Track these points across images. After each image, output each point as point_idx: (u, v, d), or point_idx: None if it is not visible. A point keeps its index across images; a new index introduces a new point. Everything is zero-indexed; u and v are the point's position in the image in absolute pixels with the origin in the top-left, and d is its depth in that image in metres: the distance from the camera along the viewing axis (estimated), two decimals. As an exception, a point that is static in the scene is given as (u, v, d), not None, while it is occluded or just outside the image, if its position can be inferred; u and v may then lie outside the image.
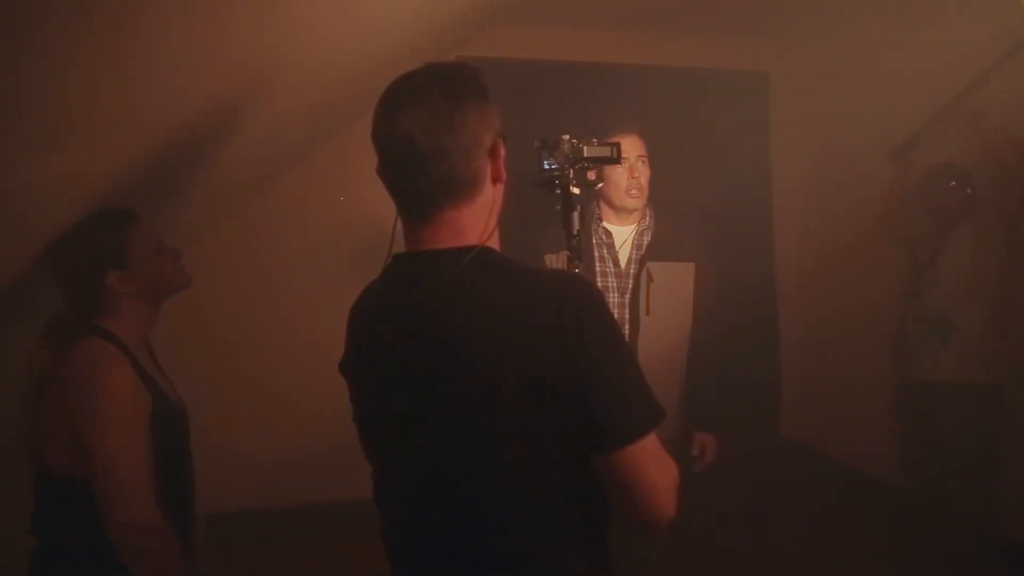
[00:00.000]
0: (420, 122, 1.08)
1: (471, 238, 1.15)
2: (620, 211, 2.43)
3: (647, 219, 2.46)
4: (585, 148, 1.71)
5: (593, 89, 3.67)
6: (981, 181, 2.95)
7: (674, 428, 2.30)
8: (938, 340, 2.93)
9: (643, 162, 2.40)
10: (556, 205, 1.74)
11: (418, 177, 1.10)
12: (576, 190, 1.73)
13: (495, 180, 1.18)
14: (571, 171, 1.72)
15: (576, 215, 1.72)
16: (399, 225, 1.21)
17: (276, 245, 3.75)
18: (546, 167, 1.73)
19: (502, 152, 1.18)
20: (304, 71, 2.29)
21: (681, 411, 2.38)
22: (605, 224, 2.46)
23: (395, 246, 1.23)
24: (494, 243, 1.19)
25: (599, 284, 2.38)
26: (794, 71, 4.28)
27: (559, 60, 3.88)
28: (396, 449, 1.19)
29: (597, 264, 2.41)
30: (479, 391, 1.07)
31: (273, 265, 3.74)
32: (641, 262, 2.39)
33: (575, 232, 1.71)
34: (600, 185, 2.18)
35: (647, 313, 2.34)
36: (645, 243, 2.43)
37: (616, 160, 1.78)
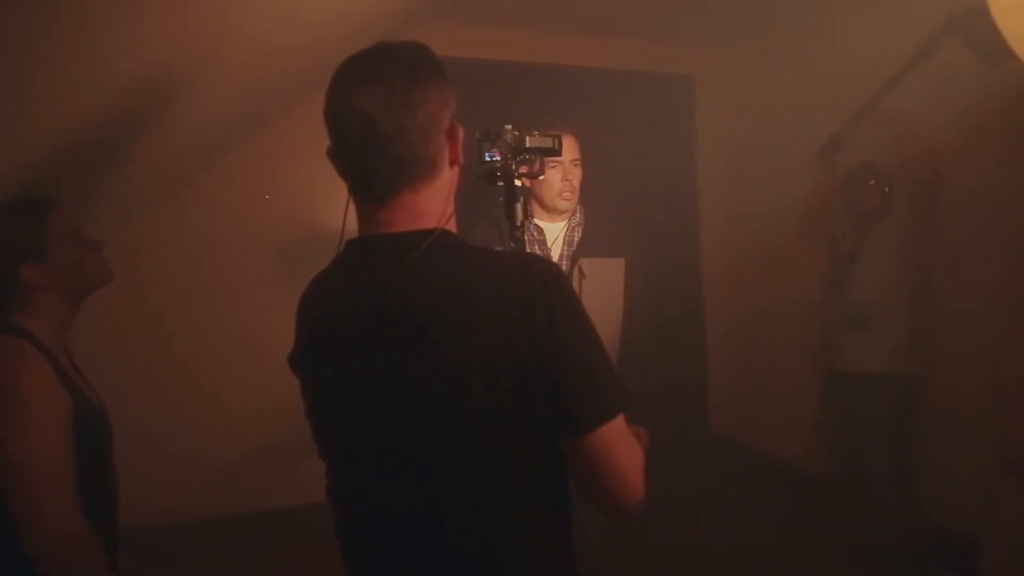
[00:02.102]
0: (378, 100, 1.04)
1: (430, 222, 1.12)
2: (551, 211, 2.45)
3: (578, 215, 2.48)
4: (527, 139, 1.71)
5: (525, 89, 3.69)
6: (898, 180, 3.10)
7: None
8: (857, 333, 3.06)
9: (576, 165, 2.43)
10: (499, 198, 1.73)
11: (375, 157, 1.06)
12: (519, 182, 1.72)
13: (452, 163, 1.15)
14: (514, 163, 1.71)
15: (519, 206, 1.71)
16: (351, 210, 1.16)
17: (205, 240, 3.60)
18: (487, 159, 1.72)
19: (460, 134, 1.15)
20: (228, 61, 2.21)
21: None
22: (536, 221, 2.47)
23: (347, 233, 1.19)
24: (452, 228, 1.16)
25: None
26: (718, 74, 4.43)
27: (491, 59, 3.89)
28: (356, 439, 1.14)
29: None
30: (446, 376, 1.04)
31: (204, 260, 3.59)
32: (573, 258, 2.41)
33: (519, 223, 1.71)
34: (541, 177, 2.19)
35: None
36: (576, 239, 2.45)
37: (557, 152, 1.78)
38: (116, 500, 1.64)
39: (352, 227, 1.18)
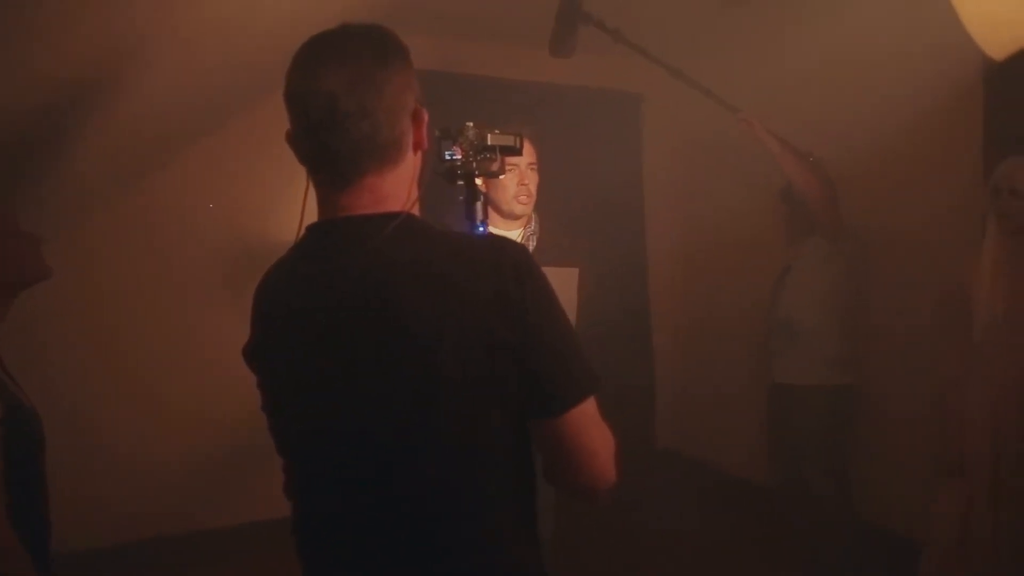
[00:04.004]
0: (342, 80, 1.02)
1: (393, 206, 1.09)
2: (507, 216, 2.44)
3: (533, 224, 2.48)
4: (489, 136, 1.69)
5: (479, 100, 3.69)
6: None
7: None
8: (789, 346, 3.13)
9: (533, 169, 2.42)
10: (460, 196, 1.71)
11: (339, 138, 1.04)
12: (479, 180, 1.70)
13: (417, 147, 1.14)
14: (475, 160, 1.68)
15: (480, 205, 1.69)
16: (311, 196, 1.13)
17: (157, 240, 3.51)
18: (447, 157, 1.70)
19: (425, 118, 1.14)
20: (178, 54, 2.14)
21: None
22: (492, 228, 2.45)
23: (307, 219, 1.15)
24: (416, 213, 1.14)
25: None
26: (665, 93, 4.51)
27: (446, 71, 3.90)
28: (319, 429, 1.10)
29: None
30: (416, 360, 1.01)
31: (155, 260, 3.50)
32: None
33: (479, 222, 1.68)
34: (502, 176, 2.18)
35: None
36: (531, 247, 2.44)
37: (519, 151, 1.77)
38: (47, 510, 1.54)
39: (312, 214, 1.14)
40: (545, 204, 2.57)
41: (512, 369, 1.02)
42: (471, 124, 1.68)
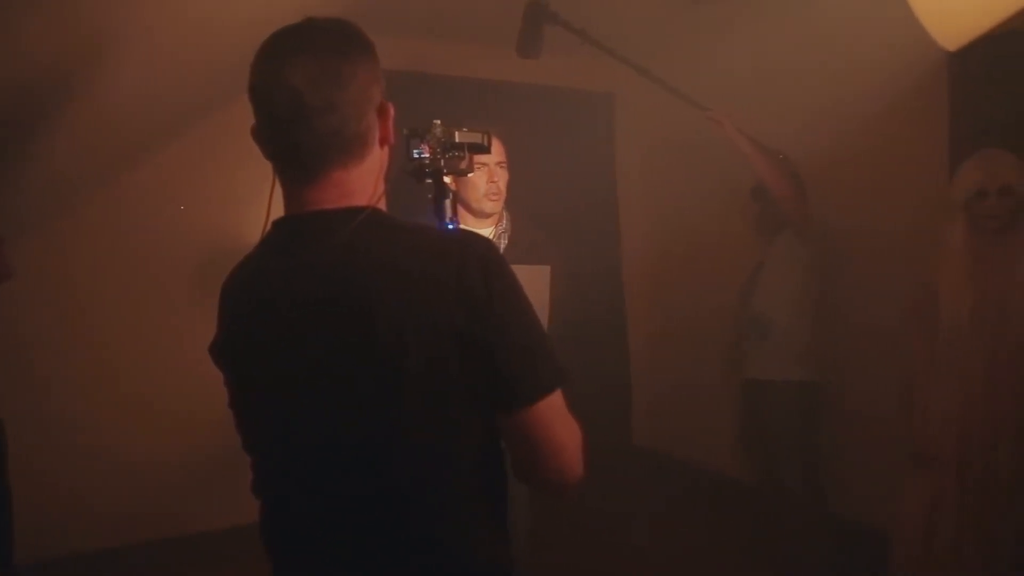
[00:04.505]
0: (308, 74, 1.02)
1: (360, 200, 1.10)
2: (478, 214, 2.44)
3: (504, 223, 2.48)
4: (456, 133, 1.69)
5: (451, 101, 3.70)
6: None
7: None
8: (760, 341, 3.16)
9: (502, 167, 2.43)
10: (428, 195, 1.71)
11: (304, 133, 1.04)
12: (447, 178, 1.70)
13: (383, 142, 1.14)
14: (443, 159, 1.68)
15: (448, 203, 1.68)
16: (277, 192, 1.13)
17: (131, 241, 3.48)
18: (415, 155, 1.69)
19: (391, 112, 1.14)
20: (151, 53, 2.12)
21: None
22: (462, 226, 2.44)
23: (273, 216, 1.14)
24: (383, 207, 1.14)
25: None
26: (636, 92, 4.55)
27: (418, 71, 3.90)
28: (287, 425, 1.09)
29: None
30: (382, 353, 1.01)
31: (124, 262, 3.47)
32: None
33: (448, 220, 1.68)
34: (470, 175, 2.18)
35: None
36: (503, 246, 2.45)
37: (487, 149, 1.77)
38: (11, 515, 1.52)
39: (278, 209, 1.14)
40: (517, 203, 2.58)
41: (477, 363, 1.03)
42: (439, 122, 1.68)
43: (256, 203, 1.16)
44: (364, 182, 1.11)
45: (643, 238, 4.78)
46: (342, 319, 1.03)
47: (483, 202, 2.39)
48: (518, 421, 1.06)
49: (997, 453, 2.41)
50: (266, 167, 1.11)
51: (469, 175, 2.32)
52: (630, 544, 3.58)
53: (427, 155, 1.68)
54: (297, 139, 1.04)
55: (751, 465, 3.46)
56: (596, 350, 4.31)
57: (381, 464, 1.04)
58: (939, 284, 2.52)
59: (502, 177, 2.41)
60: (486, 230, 2.45)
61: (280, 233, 1.12)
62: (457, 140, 1.70)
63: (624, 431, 4.81)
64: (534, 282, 2.43)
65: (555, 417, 1.08)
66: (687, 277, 4.36)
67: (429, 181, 1.70)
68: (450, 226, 1.67)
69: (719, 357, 3.67)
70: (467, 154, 1.79)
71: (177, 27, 2.23)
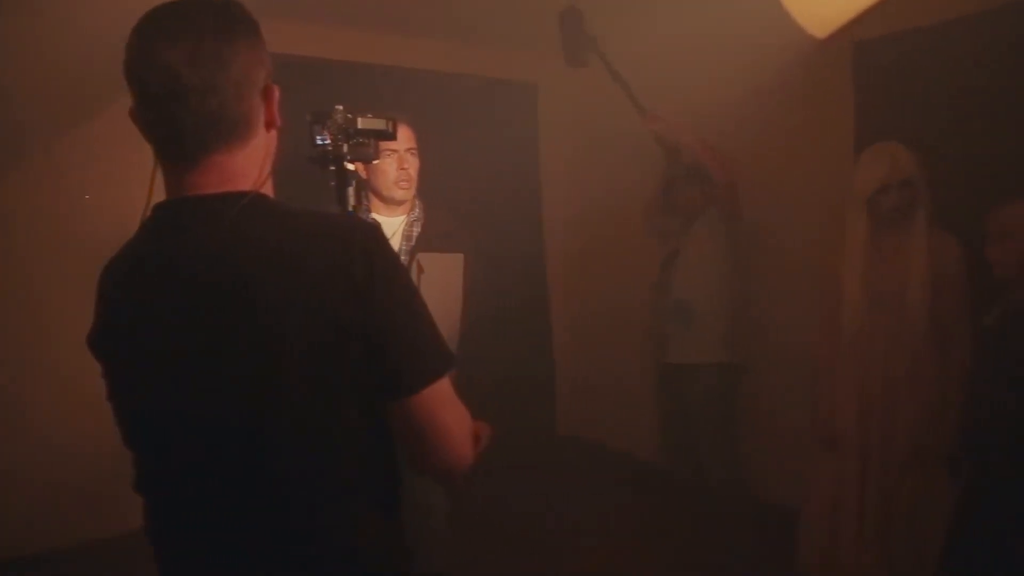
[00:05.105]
0: (185, 53, 0.98)
1: (244, 185, 1.06)
2: (389, 202, 2.41)
3: (416, 210, 2.45)
4: (359, 120, 1.65)
5: (373, 90, 3.63)
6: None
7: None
8: (683, 325, 3.22)
9: (412, 154, 2.39)
10: (331, 182, 1.67)
11: (183, 114, 0.99)
12: (352, 165, 1.67)
13: (269, 125, 1.10)
14: (345, 145, 1.65)
15: (351, 190, 1.65)
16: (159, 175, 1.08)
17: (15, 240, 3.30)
18: (319, 142, 1.65)
19: (276, 95, 1.10)
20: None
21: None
22: (374, 214, 2.42)
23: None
24: (269, 192, 1.10)
25: None
26: (561, 84, 4.59)
27: (336, 59, 3.81)
28: (169, 416, 1.05)
29: None
30: (263, 340, 0.99)
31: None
32: (411, 253, 2.38)
33: (350, 209, 1.65)
34: (376, 161, 2.14)
35: None
36: (415, 234, 2.42)
37: (392, 135, 1.74)
38: None
39: (160, 195, 1.09)
40: (433, 191, 2.55)
41: (360, 350, 1.01)
42: (340, 108, 1.64)
43: (144, 188, 1.10)
44: (247, 166, 1.07)
45: (566, 227, 4.81)
46: (223, 305, 1.00)
47: (393, 189, 2.35)
48: (403, 409, 1.05)
49: (895, 435, 2.52)
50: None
51: (375, 162, 2.32)
52: (551, 530, 3.60)
53: (329, 141, 1.64)
54: (174, 121, 1.00)
55: (670, 448, 3.52)
56: (520, 339, 4.31)
57: (263, 453, 1.02)
58: (842, 275, 2.61)
59: (412, 164, 2.38)
60: (398, 218, 2.41)
61: (160, 218, 1.07)
62: (360, 126, 1.66)
63: (549, 419, 4.84)
64: (447, 270, 2.42)
65: (442, 405, 1.07)
66: (610, 265, 4.40)
67: (333, 168, 1.67)
68: (359, 209, 1.64)
69: (641, 344, 3.72)
70: (373, 141, 1.76)
71: (69, 9, 2.12)
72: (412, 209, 2.44)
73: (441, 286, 2.40)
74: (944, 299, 2.45)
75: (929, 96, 2.89)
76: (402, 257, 2.39)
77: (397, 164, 2.33)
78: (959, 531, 2.28)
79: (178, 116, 0.99)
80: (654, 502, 3.69)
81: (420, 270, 2.36)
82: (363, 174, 2.37)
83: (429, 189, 2.54)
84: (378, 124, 1.69)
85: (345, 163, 1.65)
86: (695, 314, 3.20)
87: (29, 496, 3.18)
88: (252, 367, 1.00)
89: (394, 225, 2.41)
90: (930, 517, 2.44)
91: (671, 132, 3.15)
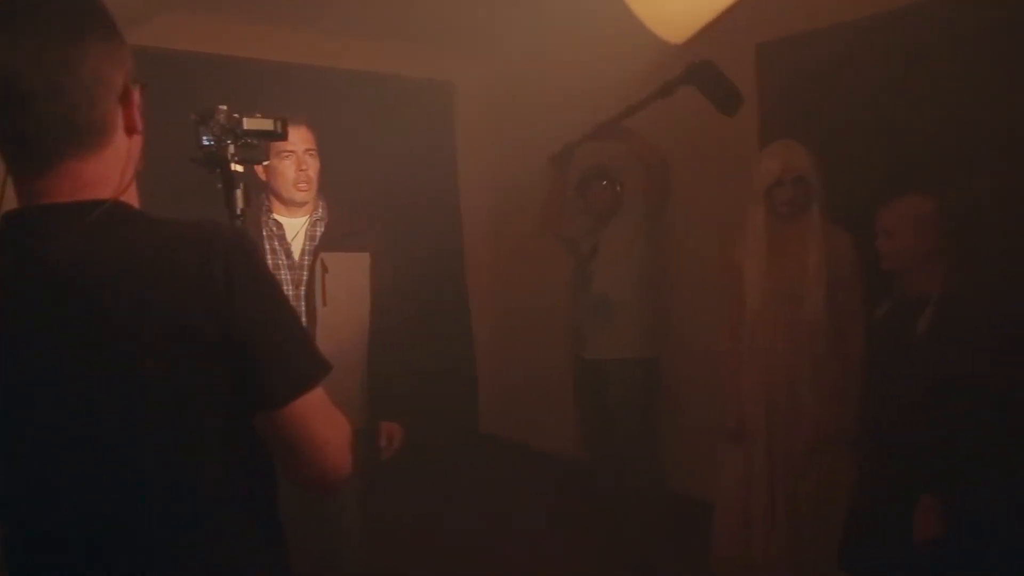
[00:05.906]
0: (24, 53, 0.91)
1: (102, 192, 1.00)
2: (289, 204, 2.37)
3: (319, 210, 2.42)
4: (245, 120, 1.60)
5: (276, 88, 3.53)
6: (627, 179, 3.33)
7: (360, 419, 2.32)
8: (603, 322, 3.25)
9: (312, 155, 2.35)
10: (218, 184, 1.62)
11: (26, 120, 0.94)
12: (240, 168, 1.62)
13: (130, 130, 1.04)
14: (231, 146, 1.60)
15: (239, 193, 1.60)
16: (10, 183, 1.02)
17: None
18: (205, 143, 1.60)
19: (136, 99, 1.04)
20: None
21: (365, 401, 2.40)
22: (275, 216, 2.37)
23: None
24: (132, 201, 1.05)
25: None
26: (477, 82, 4.59)
27: (235, 56, 3.68)
28: (20, 439, 0.99)
29: (269, 256, 2.32)
30: (117, 354, 0.94)
31: None
32: (315, 253, 2.35)
33: (239, 212, 1.60)
34: (267, 163, 2.10)
35: (324, 304, 2.31)
36: (318, 234, 2.39)
37: (281, 136, 1.69)
38: None
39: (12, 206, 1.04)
40: (338, 191, 2.51)
41: (222, 359, 0.97)
42: (224, 107, 1.59)
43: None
44: (105, 173, 1.01)
45: (485, 225, 4.80)
46: (75, 319, 0.95)
47: (292, 191, 2.30)
48: (273, 421, 1.01)
49: (798, 425, 2.60)
50: None
51: (274, 163, 2.27)
52: (473, 532, 3.59)
53: (215, 141, 1.59)
54: (16, 127, 0.94)
55: (592, 446, 3.55)
56: (440, 338, 4.28)
57: (122, 472, 0.97)
58: (743, 269, 2.67)
59: (312, 165, 2.33)
60: (300, 219, 2.37)
61: (7, 229, 1.01)
62: (247, 127, 1.61)
63: (471, 419, 4.82)
64: (352, 270, 2.39)
65: (314, 415, 1.03)
66: (530, 263, 4.41)
67: (219, 170, 1.62)
68: (239, 219, 1.59)
69: (560, 342, 3.75)
70: (262, 142, 1.72)
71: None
72: (315, 209, 2.39)
73: (347, 286, 2.38)
74: (839, 292, 2.54)
75: (826, 96, 2.98)
76: (306, 257, 2.34)
77: (296, 165, 2.28)
78: (858, 510, 2.36)
79: (21, 122, 0.94)
80: (575, 499, 3.72)
81: (324, 270, 2.34)
82: (262, 176, 2.32)
83: (336, 189, 2.51)
84: (265, 124, 1.64)
85: (232, 165, 1.60)
86: (616, 310, 3.24)
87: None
88: (107, 383, 0.95)
89: (296, 226, 2.37)
90: (835, 500, 2.52)
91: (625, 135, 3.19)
